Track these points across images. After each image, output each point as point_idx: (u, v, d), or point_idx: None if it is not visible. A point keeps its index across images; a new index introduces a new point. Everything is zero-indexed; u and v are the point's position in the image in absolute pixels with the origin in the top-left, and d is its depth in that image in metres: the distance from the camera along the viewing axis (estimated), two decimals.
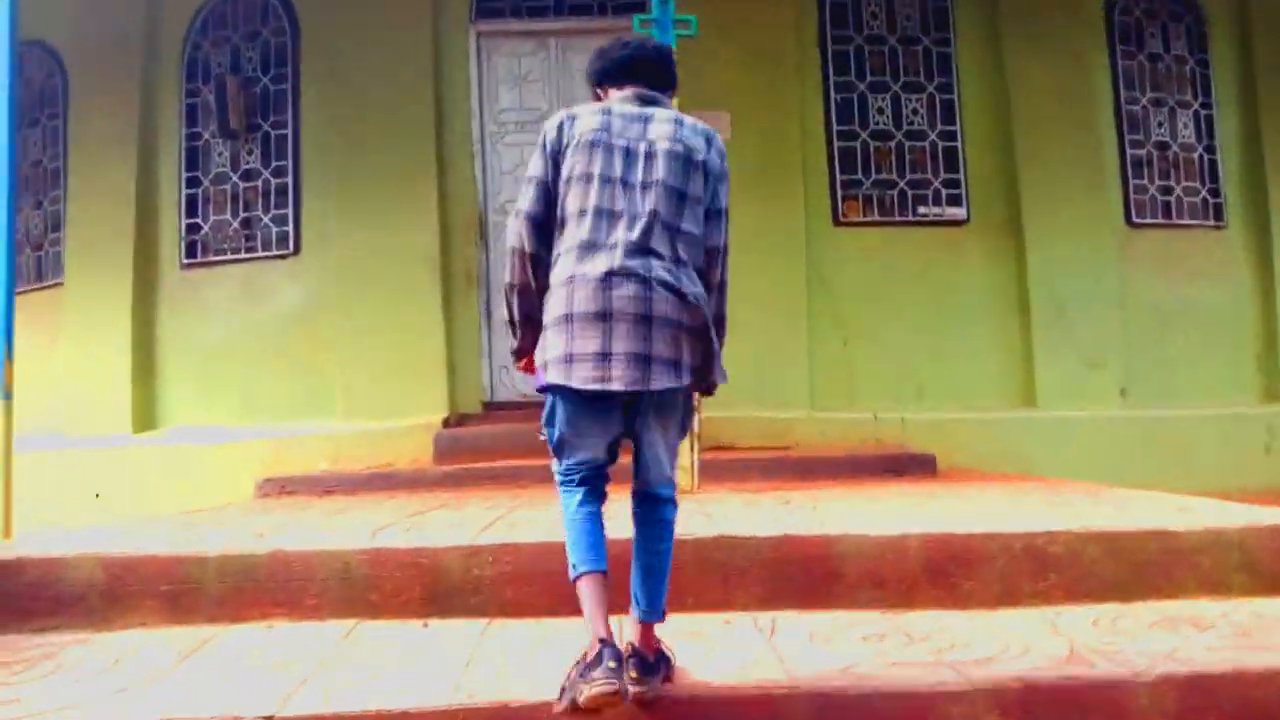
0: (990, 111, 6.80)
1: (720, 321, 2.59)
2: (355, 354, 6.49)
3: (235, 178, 6.94)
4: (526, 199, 2.52)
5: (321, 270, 6.71)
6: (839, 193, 6.70)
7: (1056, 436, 6.41)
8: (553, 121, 2.57)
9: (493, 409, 6.59)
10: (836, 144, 6.72)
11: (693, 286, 2.43)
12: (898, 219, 6.76)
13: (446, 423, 6.35)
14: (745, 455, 5.59)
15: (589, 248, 2.39)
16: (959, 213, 6.78)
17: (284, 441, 6.35)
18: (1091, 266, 6.70)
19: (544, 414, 2.53)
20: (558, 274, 2.43)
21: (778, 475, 5.22)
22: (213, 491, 5.95)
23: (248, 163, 6.94)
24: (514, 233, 2.52)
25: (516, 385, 6.60)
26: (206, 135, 7.01)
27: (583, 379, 2.35)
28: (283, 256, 6.81)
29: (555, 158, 2.50)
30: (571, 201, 2.44)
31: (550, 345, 2.42)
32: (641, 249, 2.38)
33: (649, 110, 2.53)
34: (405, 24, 6.64)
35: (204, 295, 6.94)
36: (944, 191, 6.79)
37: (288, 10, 6.91)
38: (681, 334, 2.39)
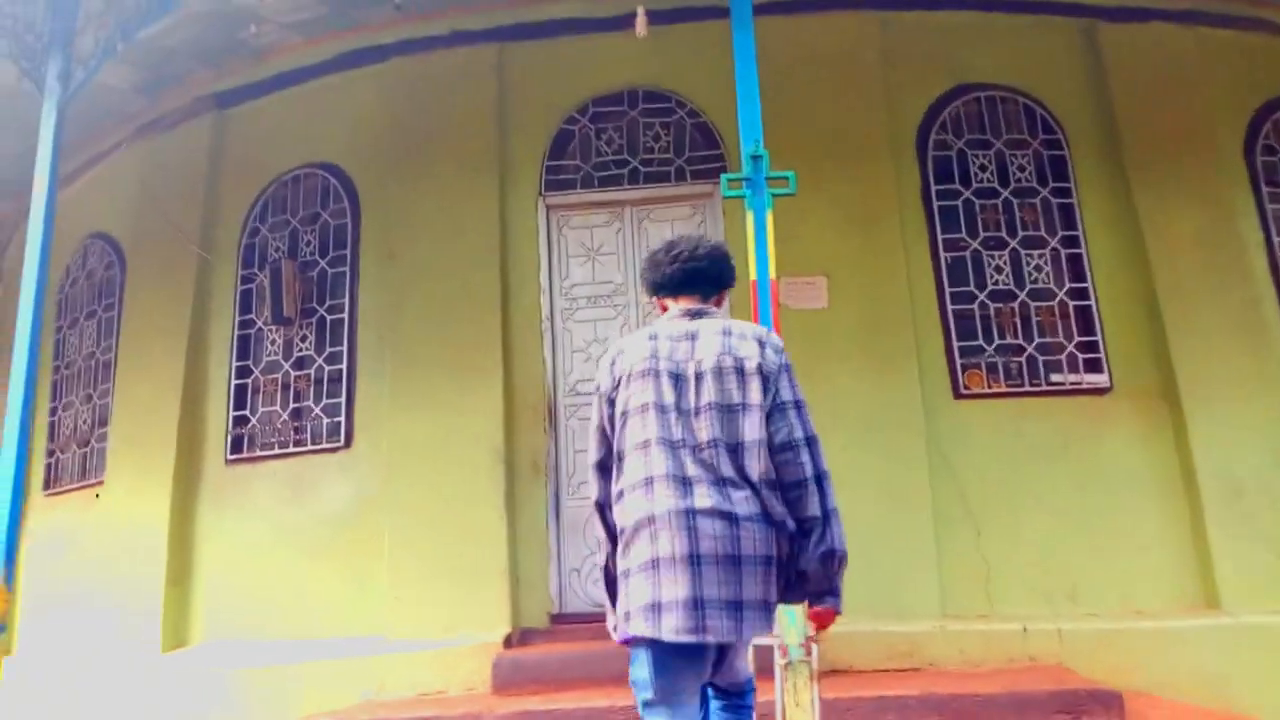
0: (1125, 265, 5.95)
1: (829, 519, 2.42)
2: (406, 557, 5.68)
3: (287, 365, 6.42)
4: (592, 448, 2.62)
5: (373, 462, 6.02)
6: (958, 361, 5.83)
7: (1251, 647, 5.15)
8: (604, 362, 2.62)
9: (561, 622, 5.65)
10: (950, 307, 5.91)
11: (777, 505, 2.36)
12: (1028, 388, 5.83)
13: (508, 641, 5.42)
14: (868, 687, 4.49)
15: (658, 482, 2.36)
16: (1100, 379, 5.82)
17: (324, 667, 5.46)
18: (1269, 437, 5.61)
19: (631, 671, 2.43)
20: (630, 512, 2.39)
21: (917, 717, 4.11)
22: None
23: (301, 349, 6.43)
24: (591, 484, 2.68)
25: (589, 594, 5.68)
26: (260, 323, 6.56)
27: (674, 629, 2.25)
28: (333, 450, 6.17)
29: (610, 398, 2.53)
30: (630, 435, 2.44)
31: (634, 592, 2.33)
32: (716, 480, 2.34)
33: (695, 326, 2.53)
34: (471, 199, 6.19)
35: (248, 493, 6.30)
36: (1080, 356, 5.87)
37: (348, 190, 6.56)
38: (771, 570, 2.33)
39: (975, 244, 6.03)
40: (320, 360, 6.35)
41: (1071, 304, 5.95)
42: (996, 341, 5.91)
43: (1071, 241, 6.04)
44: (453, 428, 5.83)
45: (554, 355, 6.06)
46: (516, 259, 6.20)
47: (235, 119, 7.01)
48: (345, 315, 6.35)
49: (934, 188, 6.10)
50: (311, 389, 6.35)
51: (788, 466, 2.40)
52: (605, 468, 2.54)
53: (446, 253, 6.11)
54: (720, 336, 2.49)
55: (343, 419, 6.18)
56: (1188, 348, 5.72)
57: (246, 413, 6.44)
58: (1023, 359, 5.88)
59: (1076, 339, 5.90)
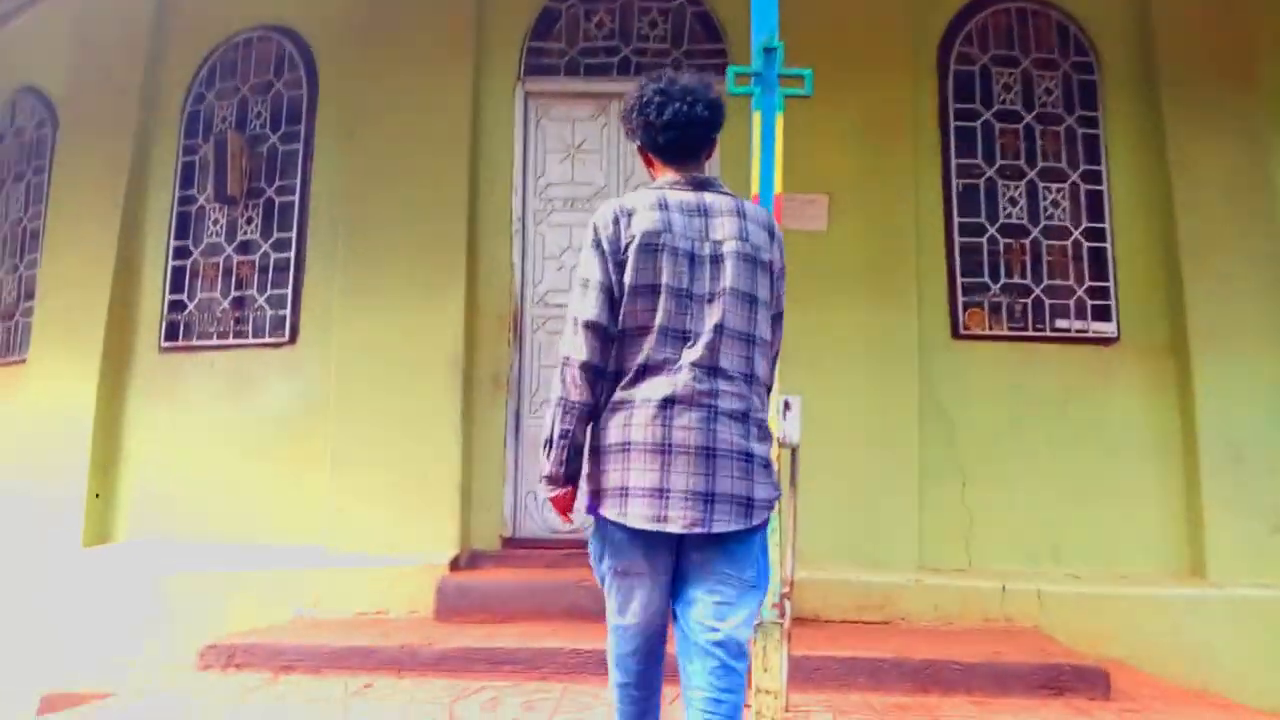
0: (1147, 206, 5.49)
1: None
2: (351, 467, 5.25)
3: (230, 249, 5.85)
4: (588, 305, 2.22)
5: (319, 362, 5.54)
6: (960, 299, 5.39)
7: (1236, 620, 4.91)
8: (604, 215, 2.30)
9: (514, 546, 5.29)
10: (958, 239, 5.44)
11: (763, 407, 2.29)
12: (1032, 333, 5.42)
13: (455, 563, 5.05)
14: (838, 644, 4.18)
15: (651, 369, 2.18)
16: (1107, 328, 5.43)
17: (257, 577, 5.07)
18: (1276, 400, 5.28)
19: (591, 550, 2.38)
20: (613, 396, 2.21)
21: (890, 683, 3.81)
22: (165, 637, 4.76)
23: (246, 232, 5.86)
24: (574, 343, 2.24)
25: (546, 519, 5.30)
26: (202, 200, 5.95)
27: (639, 516, 2.17)
28: (277, 345, 5.66)
29: (617, 258, 2.23)
30: (633, 315, 2.21)
31: (605, 475, 2.22)
32: (709, 369, 2.18)
33: (706, 199, 2.30)
34: (442, 80, 5.56)
35: (183, 384, 5.80)
36: (1089, 302, 5.45)
37: (306, 58, 5.89)
38: (753, 466, 2.20)
39: (991, 171, 5.54)
40: (266, 246, 5.79)
41: (1086, 245, 5.51)
42: (1003, 280, 5.47)
43: (1093, 177, 5.56)
44: (409, 331, 5.33)
45: (524, 261, 5.55)
46: (489, 150, 5.62)
47: None
48: (296, 198, 5.76)
49: (952, 106, 5.56)
50: (256, 276, 5.81)
51: None
52: (601, 330, 2.21)
53: (412, 136, 5.50)
54: (735, 218, 2.28)
55: (288, 312, 5.66)
56: (1203, 300, 5.30)
57: (184, 297, 5.89)
58: (1029, 301, 5.45)
59: (1088, 283, 5.47)
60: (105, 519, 5.77)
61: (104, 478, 5.75)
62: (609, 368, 2.22)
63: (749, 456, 2.19)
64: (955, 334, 5.36)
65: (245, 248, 5.85)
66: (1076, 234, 5.51)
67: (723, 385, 2.18)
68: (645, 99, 2.40)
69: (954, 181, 5.48)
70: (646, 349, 2.18)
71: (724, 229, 2.25)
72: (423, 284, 5.37)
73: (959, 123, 5.54)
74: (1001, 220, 5.50)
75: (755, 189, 3.53)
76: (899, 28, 5.47)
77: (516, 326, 5.47)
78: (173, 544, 5.54)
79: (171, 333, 5.86)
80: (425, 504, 5.18)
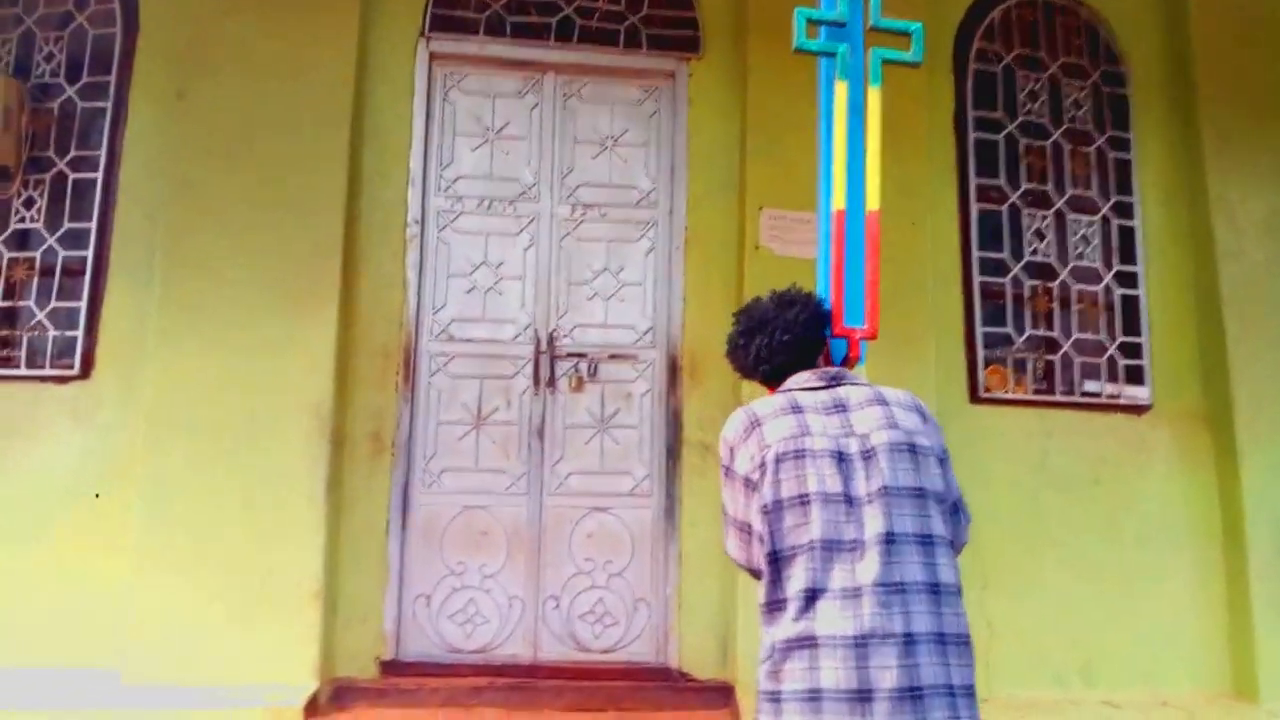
0: (1183, 247, 4.60)
1: None
2: (163, 560, 3.68)
3: None
4: (731, 544, 2.02)
5: (123, 408, 3.94)
6: (980, 352, 4.32)
7: None
8: (735, 428, 2.02)
9: (398, 672, 3.83)
10: (977, 277, 4.37)
11: (963, 619, 1.88)
12: (1058, 398, 4.41)
13: (313, 704, 3.56)
14: None
15: (822, 596, 1.82)
16: (1140, 393, 4.47)
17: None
18: None
19: None
20: (787, 629, 1.84)
21: None
22: None
23: (24, 219, 4.18)
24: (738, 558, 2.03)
25: (443, 632, 3.89)
26: None
27: None
28: (62, 379, 4.02)
29: (751, 482, 1.95)
30: (785, 533, 1.88)
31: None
32: (892, 588, 1.80)
33: (841, 393, 2.02)
34: (314, 27, 4.08)
35: None
36: (1120, 361, 4.49)
37: None
38: (957, 701, 1.82)
39: (1014, 196, 4.50)
40: (52, 240, 4.14)
41: (1118, 291, 4.54)
42: (1028, 331, 4.43)
43: (1124, 210, 4.61)
44: (254, 370, 3.81)
45: (420, 277, 4.12)
46: (378, 127, 4.18)
47: None
48: (99, 175, 4.14)
49: (971, 113, 4.50)
50: (35, 282, 4.14)
51: None
52: (753, 573, 1.97)
53: (269, 102, 4.00)
54: (877, 406, 1.99)
55: (81, 335, 4.03)
56: (1249, 362, 4.42)
57: None
58: (1056, 357, 4.44)
59: (1119, 338, 4.51)
60: None
61: None
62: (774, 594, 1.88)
63: (952, 691, 1.81)
64: (974, 396, 4.28)
65: (21, 240, 4.17)
66: (1108, 278, 4.54)
67: (914, 606, 1.82)
68: (730, 344, 2.23)
69: (973, 204, 4.42)
70: (810, 570, 1.85)
71: (868, 420, 1.97)
72: (277, 304, 3.86)
73: (979, 134, 4.48)
74: (1026, 257, 4.47)
75: (839, 200, 2.28)
76: (916, 4, 4.36)
77: (408, 366, 4.04)
78: None
79: None
80: (270, 614, 3.67)
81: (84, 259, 4.10)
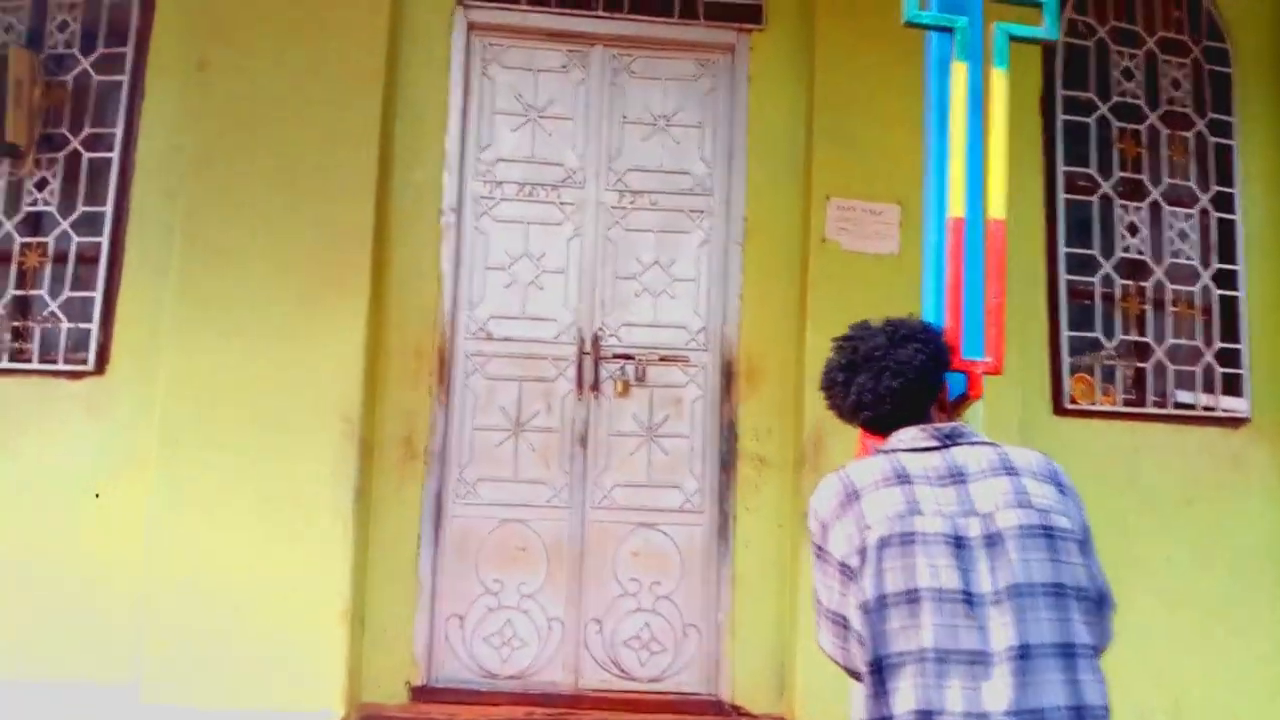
0: None
1: None
2: (178, 569, 3.43)
3: (9, 225, 3.89)
4: (827, 641, 1.67)
5: (139, 407, 3.67)
6: (1065, 360, 3.94)
7: None
8: (827, 501, 1.67)
9: (430, 699, 3.56)
10: (1064, 276, 3.98)
11: None
12: (1150, 410, 4.03)
13: None
14: None
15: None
16: (1239, 405, 4.08)
17: None
18: None
19: None
20: None
21: None
22: None
23: (37, 200, 3.91)
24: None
25: (477, 656, 3.61)
26: None
27: None
28: (75, 374, 3.76)
29: (848, 570, 1.59)
30: (888, 637, 1.52)
31: None
32: (1029, 715, 1.44)
33: (957, 457, 1.65)
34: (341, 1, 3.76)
35: None
36: (1218, 370, 4.09)
37: None
38: None
39: (1106, 186, 4.09)
40: (66, 224, 3.86)
41: (1216, 292, 4.14)
42: (1119, 336, 4.04)
43: (1224, 203, 4.19)
44: (278, 368, 3.53)
45: (457, 270, 3.81)
46: (411, 104, 3.85)
47: None
48: (116, 156, 3.85)
49: (1060, 92, 4.09)
50: (48, 269, 3.88)
51: None
52: (849, 672, 1.62)
53: (294, 73, 3.68)
54: (1004, 476, 1.61)
55: (95, 327, 3.77)
56: None
57: None
58: (1148, 365, 4.05)
59: (1216, 344, 4.11)
60: None
61: None
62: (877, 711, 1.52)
63: None
64: (1058, 408, 3.91)
65: (33, 224, 3.90)
66: (1206, 278, 4.13)
67: None
68: (828, 377, 1.84)
69: (1060, 195, 4.02)
70: (921, 687, 1.47)
71: (992, 495, 1.60)
72: (301, 296, 3.57)
73: (1068, 116, 4.07)
74: (1118, 254, 4.07)
75: (956, 206, 1.93)
76: None
77: (443, 367, 3.74)
78: None
79: None
80: (293, 633, 3.40)
81: (99, 245, 3.82)
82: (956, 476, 1.62)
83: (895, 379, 1.71)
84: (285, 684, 3.37)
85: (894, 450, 1.70)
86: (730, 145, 3.89)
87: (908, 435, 1.71)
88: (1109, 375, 4.02)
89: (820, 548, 1.65)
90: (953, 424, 1.72)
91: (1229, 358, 4.10)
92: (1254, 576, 3.97)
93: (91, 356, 3.75)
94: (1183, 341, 4.10)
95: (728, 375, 3.79)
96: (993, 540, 1.54)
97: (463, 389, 3.74)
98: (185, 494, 3.46)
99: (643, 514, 3.72)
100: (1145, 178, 4.13)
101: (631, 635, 3.68)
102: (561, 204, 3.86)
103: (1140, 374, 4.05)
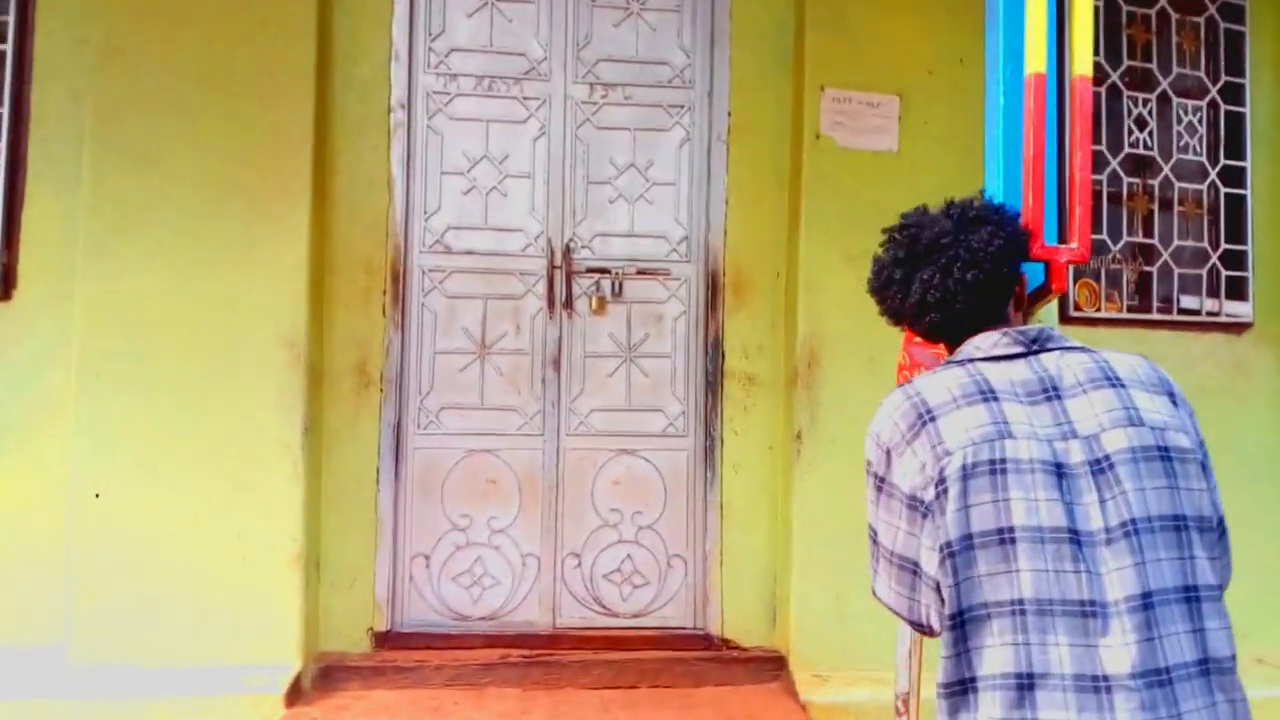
0: None
1: None
2: (110, 517, 3.08)
3: None
4: (886, 589, 1.39)
5: (51, 333, 3.28)
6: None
7: None
8: (893, 421, 1.37)
9: (395, 645, 3.28)
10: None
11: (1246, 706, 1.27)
12: (1155, 316, 3.81)
13: (297, 687, 3.02)
14: None
15: (1041, 687, 1.20)
16: (1241, 310, 3.88)
17: None
18: None
19: None
20: None
21: None
22: None
23: None
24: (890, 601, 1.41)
25: (444, 596, 3.33)
26: None
27: None
28: None
29: (920, 504, 1.30)
30: (976, 586, 1.25)
31: None
32: (1155, 680, 1.19)
33: (1048, 365, 1.36)
34: None
35: None
36: (1224, 273, 3.87)
37: None
38: None
39: (1114, 76, 3.79)
40: None
41: (1223, 191, 3.89)
42: (1125, 238, 3.79)
43: (1234, 94, 3.91)
44: (209, 292, 3.14)
45: (408, 176, 3.40)
46: None
47: None
48: (8, 46, 3.36)
49: None
50: None
51: None
52: (916, 626, 1.35)
53: None
54: (1107, 389, 1.32)
55: None
56: None
57: None
58: (1154, 269, 3.81)
59: (1222, 245, 3.88)
60: None
61: None
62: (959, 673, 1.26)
63: None
64: (1063, 316, 3.66)
65: None
66: (1213, 174, 3.88)
67: (1187, 704, 1.19)
68: (882, 276, 1.51)
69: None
70: (1019, 646, 1.21)
71: (1095, 411, 1.31)
72: (235, 209, 3.16)
73: None
74: (1126, 150, 3.79)
75: (1036, 60, 1.63)
76: None
77: (397, 284, 3.37)
78: None
79: None
80: (242, 582, 3.09)
81: None
82: (1050, 391, 1.34)
83: (968, 270, 1.41)
84: (235, 637, 3.07)
85: (970, 359, 1.40)
86: (712, 31, 3.50)
87: (985, 341, 1.41)
88: (1114, 280, 3.78)
89: (881, 479, 1.36)
90: (1039, 326, 1.42)
91: (1234, 260, 3.88)
92: (1257, 483, 3.82)
93: None
94: (1188, 243, 3.86)
95: (713, 288, 3.47)
96: (1100, 466, 1.28)
97: (420, 309, 3.38)
98: (111, 435, 3.09)
99: (622, 440, 3.43)
100: (1154, 66, 3.83)
101: (612, 569, 3.42)
102: (525, 99, 3.46)
103: (1145, 278, 3.81)
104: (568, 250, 3.41)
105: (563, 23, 3.47)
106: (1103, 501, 1.26)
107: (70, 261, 3.24)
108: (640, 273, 3.45)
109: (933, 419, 1.32)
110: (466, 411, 3.39)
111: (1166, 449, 1.29)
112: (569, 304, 3.41)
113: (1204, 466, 1.33)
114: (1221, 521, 1.34)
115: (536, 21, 3.48)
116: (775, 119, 3.48)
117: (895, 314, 1.52)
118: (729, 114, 3.50)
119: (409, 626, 3.30)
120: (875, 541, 1.38)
